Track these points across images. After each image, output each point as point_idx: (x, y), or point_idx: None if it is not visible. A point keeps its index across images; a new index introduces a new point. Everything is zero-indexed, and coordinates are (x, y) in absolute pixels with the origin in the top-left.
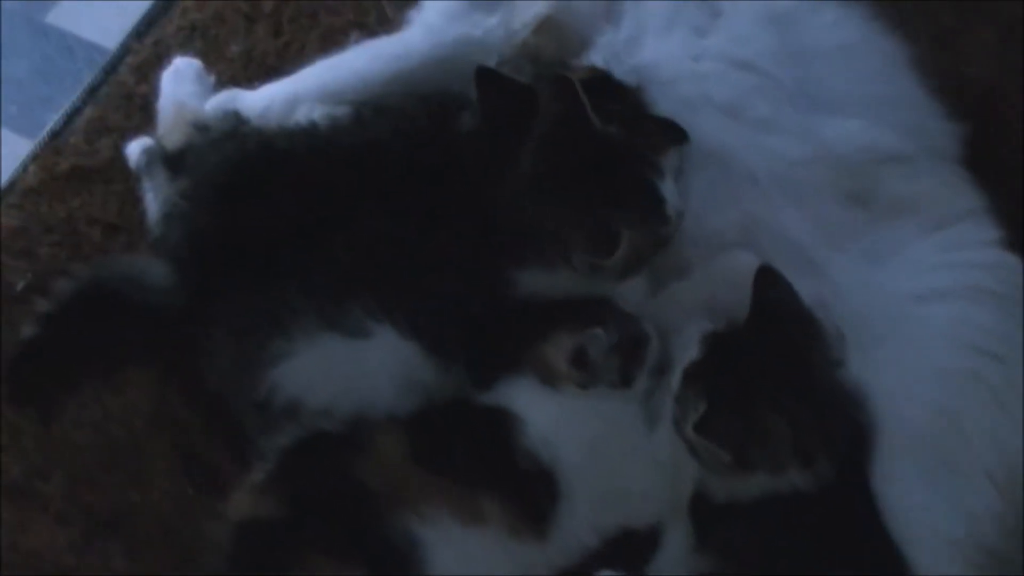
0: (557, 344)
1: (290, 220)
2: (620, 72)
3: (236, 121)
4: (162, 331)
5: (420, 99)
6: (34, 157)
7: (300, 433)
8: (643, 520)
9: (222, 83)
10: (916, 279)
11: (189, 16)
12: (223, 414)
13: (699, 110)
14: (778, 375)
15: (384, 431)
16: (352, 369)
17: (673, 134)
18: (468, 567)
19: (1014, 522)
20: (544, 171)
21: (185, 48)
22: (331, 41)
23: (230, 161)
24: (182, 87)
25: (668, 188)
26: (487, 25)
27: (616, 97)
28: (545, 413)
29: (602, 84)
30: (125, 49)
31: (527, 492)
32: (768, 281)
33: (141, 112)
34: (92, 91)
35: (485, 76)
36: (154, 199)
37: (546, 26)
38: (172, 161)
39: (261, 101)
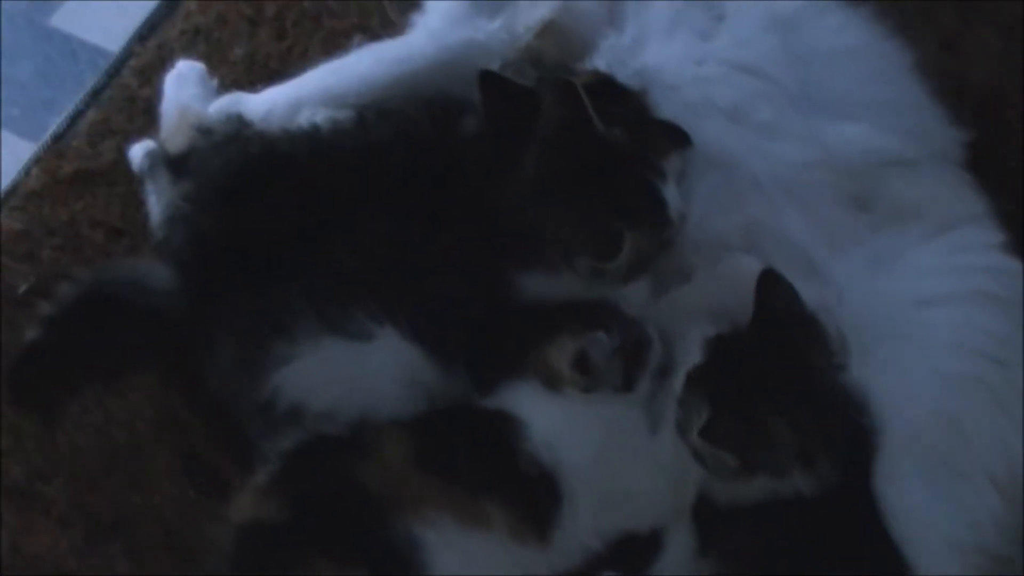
0: (559, 348)
1: (293, 223)
2: (623, 76)
3: (239, 124)
4: (164, 334)
5: (423, 102)
6: (37, 160)
7: (303, 436)
8: (646, 523)
9: (225, 86)
10: (919, 283)
11: (192, 19)
12: (225, 417)
13: (702, 114)
14: (781, 379)
15: (387, 434)
16: (355, 372)
17: (676, 138)
18: (470, 570)
19: (1016, 525)
20: (547, 174)
21: (188, 51)
22: (334, 44)
23: (233, 164)
24: (185, 90)
25: (671, 192)
26: (490, 29)
27: (619, 101)
28: (548, 417)
29: (605, 88)
30: (128, 52)
31: (530, 496)
32: (771, 285)
33: (144, 115)
34: (95, 94)
35: (488, 80)
36: (157, 202)
37: (549, 30)
38: (175, 164)
39: (264, 104)
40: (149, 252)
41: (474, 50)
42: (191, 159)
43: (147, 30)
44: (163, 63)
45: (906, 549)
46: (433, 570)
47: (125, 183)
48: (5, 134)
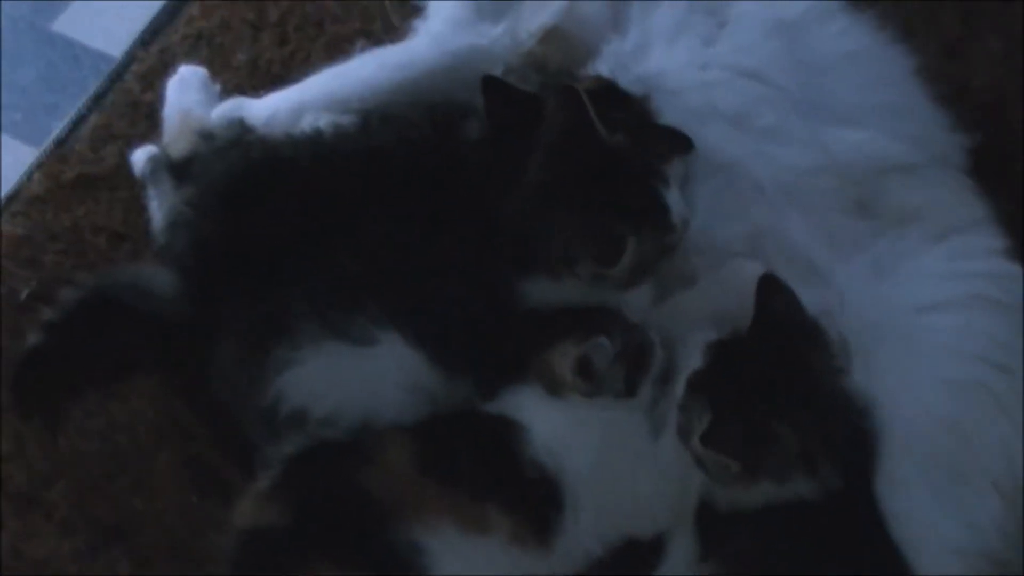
0: (562, 353)
1: (295, 228)
2: (626, 81)
3: (241, 129)
4: (167, 339)
5: (426, 107)
6: (39, 165)
7: (305, 441)
8: (648, 529)
9: (228, 91)
10: (921, 288)
11: (195, 24)
12: (228, 422)
13: (705, 119)
14: (782, 383)
15: (389, 439)
16: (357, 377)
17: (679, 143)
18: (472, 575)
19: (1017, 529)
20: (550, 180)
21: (191, 56)
22: (337, 50)
23: (235, 169)
24: (188, 95)
25: (673, 197)
26: (493, 34)
27: (622, 106)
28: (550, 422)
29: (608, 93)
30: (131, 57)
31: (531, 501)
32: (771, 289)
33: (146, 120)
34: (97, 99)
35: (491, 85)
36: (159, 207)
37: (552, 35)
38: (177, 169)
39: (267, 109)
40: (151, 257)
41: (477, 55)
42: (193, 164)
43: (150, 35)
44: (166, 68)
45: (907, 553)
46: (435, 575)
47: (127, 188)
48: (7, 139)
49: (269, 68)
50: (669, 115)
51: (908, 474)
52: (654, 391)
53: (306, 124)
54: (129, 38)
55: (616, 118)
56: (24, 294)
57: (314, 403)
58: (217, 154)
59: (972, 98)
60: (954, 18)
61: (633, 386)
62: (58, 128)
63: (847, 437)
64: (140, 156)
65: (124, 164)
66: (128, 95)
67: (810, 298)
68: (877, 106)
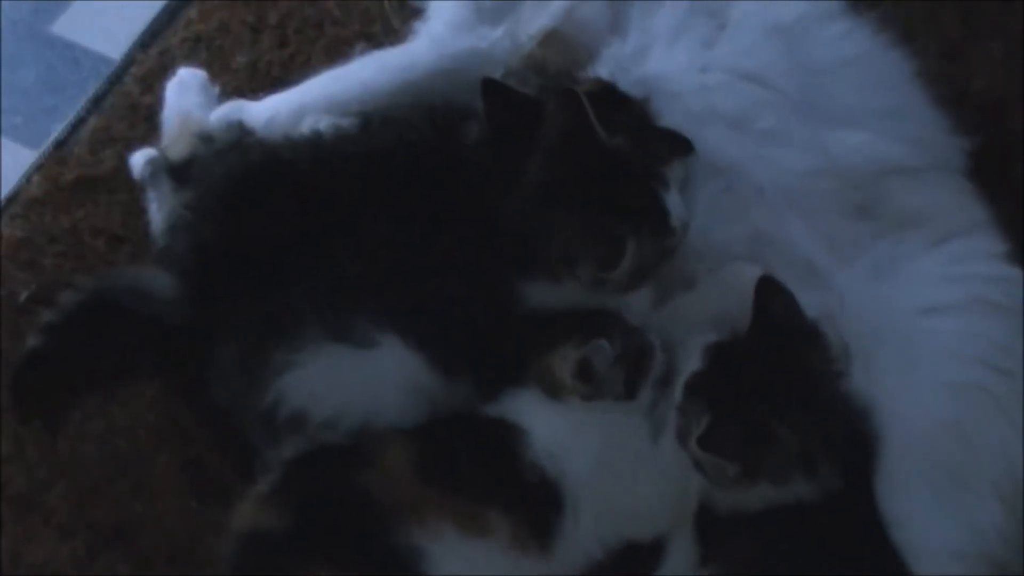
0: (562, 356)
1: (295, 231)
2: (626, 83)
3: (241, 132)
4: (166, 342)
5: (426, 110)
6: (38, 167)
7: (305, 444)
8: (648, 532)
9: (227, 94)
10: (922, 292)
11: (194, 27)
12: (228, 425)
13: (705, 122)
14: (780, 385)
15: (389, 442)
16: (357, 379)
17: (678, 146)
18: None
19: (1017, 532)
20: (549, 183)
21: (190, 58)
22: (337, 52)
23: (235, 172)
24: (187, 98)
25: (673, 200)
26: (493, 37)
27: (622, 109)
28: (550, 426)
29: (608, 96)
30: (130, 59)
31: (531, 504)
32: (770, 291)
33: (146, 123)
34: (97, 101)
35: (491, 88)
36: (158, 210)
37: (552, 38)
38: (176, 172)
39: (266, 112)
40: (151, 260)
41: (477, 58)
42: (193, 167)
43: (149, 37)
44: (165, 70)
45: (908, 556)
46: None
47: (127, 191)
48: (6, 141)
49: (269, 70)
50: (669, 117)
51: (908, 476)
52: (654, 394)
53: (306, 126)
54: (128, 40)
55: (616, 121)
56: (23, 296)
57: (314, 405)
58: (216, 157)
59: (972, 101)
60: (954, 21)
61: (633, 389)
62: (57, 130)
63: (846, 439)
64: (139, 159)
65: (123, 167)
66: (127, 97)
67: (810, 301)
68: (877, 109)
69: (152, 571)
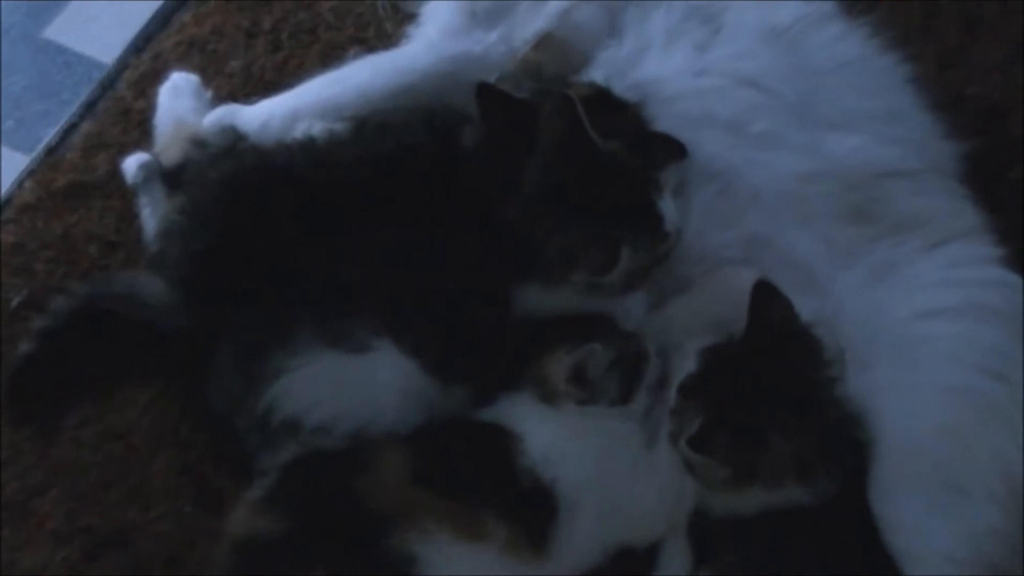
0: (556, 361)
1: (289, 236)
2: (621, 88)
3: (234, 137)
4: (161, 347)
5: (421, 114)
6: (31, 173)
7: (299, 450)
8: (643, 536)
9: (220, 98)
10: (918, 297)
11: (188, 31)
12: (223, 430)
13: (701, 126)
14: (774, 389)
15: (384, 448)
16: (352, 384)
17: (672, 150)
18: None
19: (1016, 540)
20: (544, 188)
21: (183, 63)
22: (330, 57)
23: (228, 177)
24: (180, 102)
25: (667, 204)
26: (488, 41)
27: (616, 113)
28: (544, 431)
29: (602, 100)
30: (123, 64)
31: (527, 510)
32: (765, 296)
33: (139, 127)
34: (89, 106)
35: (485, 92)
36: (151, 215)
37: (547, 42)
38: (170, 177)
39: (260, 116)
40: (144, 265)
41: (471, 62)
42: (186, 172)
43: (142, 42)
44: (158, 75)
45: (903, 560)
46: None
47: (119, 196)
48: (0, 147)
49: (262, 75)
50: (664, 122)
51: (904, 480)
52: (649, 398)
53: (299, 131)
54: (121, 45)
55: (610, 125)
56: (16, 302)
57: (309, 410)
58: (210, 162)
59: (969, 105)
60: (952, 25)
61: (628, 394)
62: (50, 135)
63: (840, 444)
64: (132, 164)
65: (116, 172)
66: (120, 102)
67: (807, 306)
68: (873, 112)
69: None
